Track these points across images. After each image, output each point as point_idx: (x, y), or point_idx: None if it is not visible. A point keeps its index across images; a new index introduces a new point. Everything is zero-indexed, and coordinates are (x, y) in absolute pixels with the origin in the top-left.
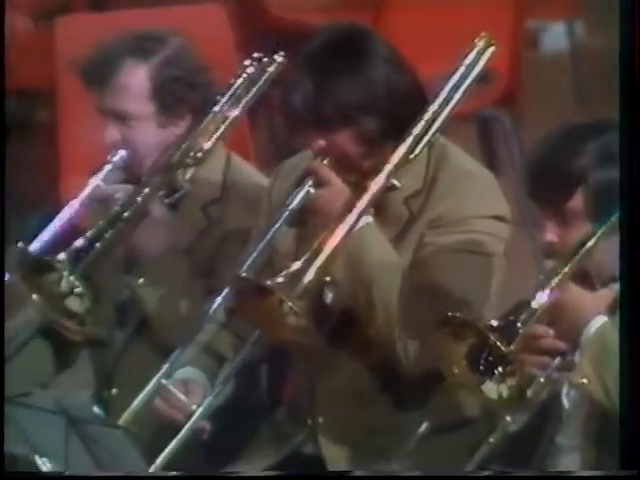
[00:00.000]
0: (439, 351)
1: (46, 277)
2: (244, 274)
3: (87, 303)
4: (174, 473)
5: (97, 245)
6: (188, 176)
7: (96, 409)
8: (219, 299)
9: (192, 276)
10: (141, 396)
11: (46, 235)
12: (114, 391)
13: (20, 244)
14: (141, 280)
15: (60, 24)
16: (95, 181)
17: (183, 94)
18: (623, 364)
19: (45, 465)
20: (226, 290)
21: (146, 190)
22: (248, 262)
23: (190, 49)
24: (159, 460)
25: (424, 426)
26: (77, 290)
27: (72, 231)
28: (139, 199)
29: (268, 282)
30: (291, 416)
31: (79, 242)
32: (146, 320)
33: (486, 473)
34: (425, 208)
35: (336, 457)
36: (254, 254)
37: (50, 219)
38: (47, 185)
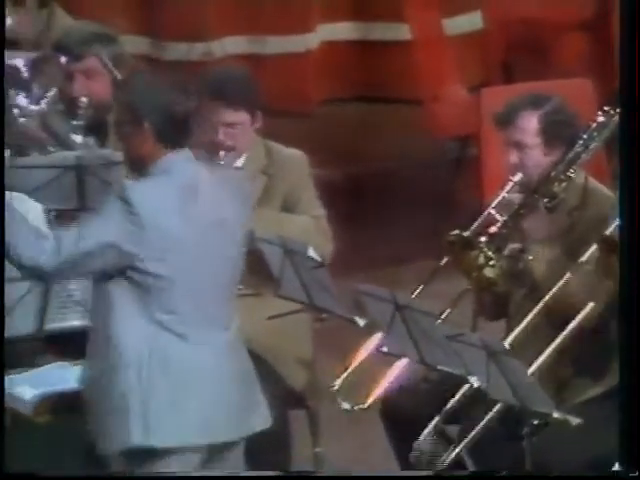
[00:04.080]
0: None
1: (470, 253)
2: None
3: (497, 271)
4: (177, 473)
5: (503, 232)
6: (561, 188)
7: (505, 345)
8: (588, 253)
9: (565, 254)
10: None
11: (477, 223)
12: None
13: (457, 231)
14: (530, 257)
15: (484, 92)
16: (502, 192)
17: (560, 132)
18: (623, 363)
19: (476, 382)
20: (594, 246)
21: (535, 196)
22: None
23: (565, 103)
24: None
25: None
26: (491, 262)
27: (488, 221)
28: (530, 203)
29: None
30: None
31: (492, 229)
32: (535, 283)
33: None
34: None
35: None
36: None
37: (475, 219)
38: (476, 196)
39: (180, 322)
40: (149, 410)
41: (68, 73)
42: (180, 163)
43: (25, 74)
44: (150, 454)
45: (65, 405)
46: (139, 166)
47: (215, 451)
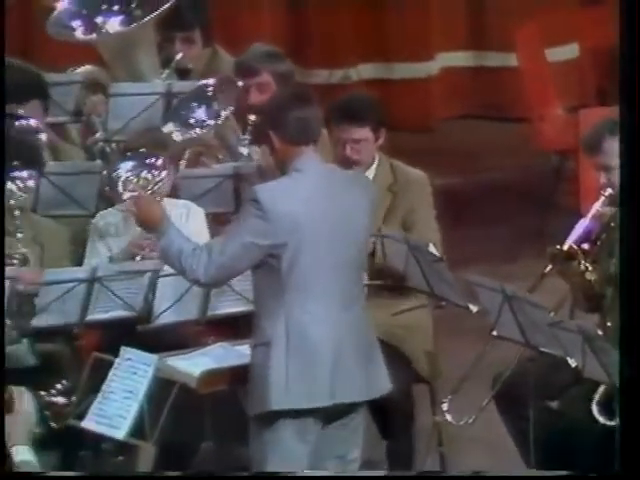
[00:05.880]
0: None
1: (571, 263)
2: None
3: (596, 276)
4: (175, 473)
5: (597, 244)
6: None
7: (599, 332)
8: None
9: None
10: None
11: (574, 235)
12: (608, 324)
13: (558, 246)
14: None
15: (582, 113)
16: (596, 206)
17: None
18: (624, 367)
19: (573, 362)
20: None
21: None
22: None
23: None
24: None
25: None
26: (590, 267)
27: (587, 234)
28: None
29: None
30: None
31: (585, 246)
32: None
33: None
34: None
35: None
36: None
37: (574, 225)
38: (574, 202)
39: (309, 301)
40: (287, 378)
41: (245, 87)
42: (309, 163)
43: (209, 92)
44: (278, 415)
45: (226, 380)
46: (281, 167)
47: (334, 414)
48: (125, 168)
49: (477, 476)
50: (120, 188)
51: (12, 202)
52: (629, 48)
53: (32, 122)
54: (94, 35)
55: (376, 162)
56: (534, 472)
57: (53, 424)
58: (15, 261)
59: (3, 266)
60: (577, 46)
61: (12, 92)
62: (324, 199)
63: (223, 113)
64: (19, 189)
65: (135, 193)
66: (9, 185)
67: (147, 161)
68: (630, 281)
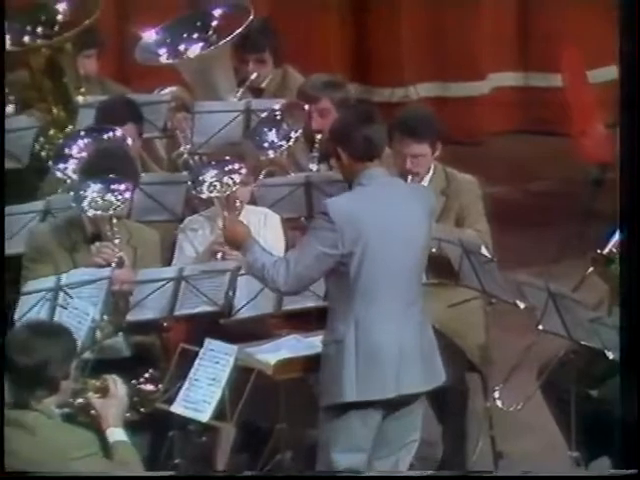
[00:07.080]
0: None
1: (611, 267)
2: None
3: None
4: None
5: None
6: None
7: None
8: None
9: None
10: None
11: (613, 240)
12: None
13: (599, 250)
14: None
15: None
16: None
17: None
18: (623, 367)
19: (611, 354)
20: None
21: None
22: None
23: None
24: None
25: None
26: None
27: None
28: None
29: None
30: None
31: None
32: None
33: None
34: None
35: None
36: None
37: (613, 231)
38: (613, 210)
39: (374, 304)
40: (357, 374)
41: (308, 113)
42: (374, 177)
43: (279, 116)
44: (348, 406)
45: (299, 368)
46: (349, 180)
47: (397, 403)
48: (210, 174)
49: (526, 476)
50: (205, 191)
51: (111, 212)
52: (629, 60)
53: (129, 140)
54: (177, 60)
55: (432, 171)
56: (583, 471)
57: (141, 409)
58: (113, 264)
59: (3, 266)
60: (616, 68)
61: (111, 115)
62: (386, 209)
63: (293, 134)
64: (117, 200)
65: (218, 195)
66: (109, 197)
67: (228, 168)
68: (630, 281)
